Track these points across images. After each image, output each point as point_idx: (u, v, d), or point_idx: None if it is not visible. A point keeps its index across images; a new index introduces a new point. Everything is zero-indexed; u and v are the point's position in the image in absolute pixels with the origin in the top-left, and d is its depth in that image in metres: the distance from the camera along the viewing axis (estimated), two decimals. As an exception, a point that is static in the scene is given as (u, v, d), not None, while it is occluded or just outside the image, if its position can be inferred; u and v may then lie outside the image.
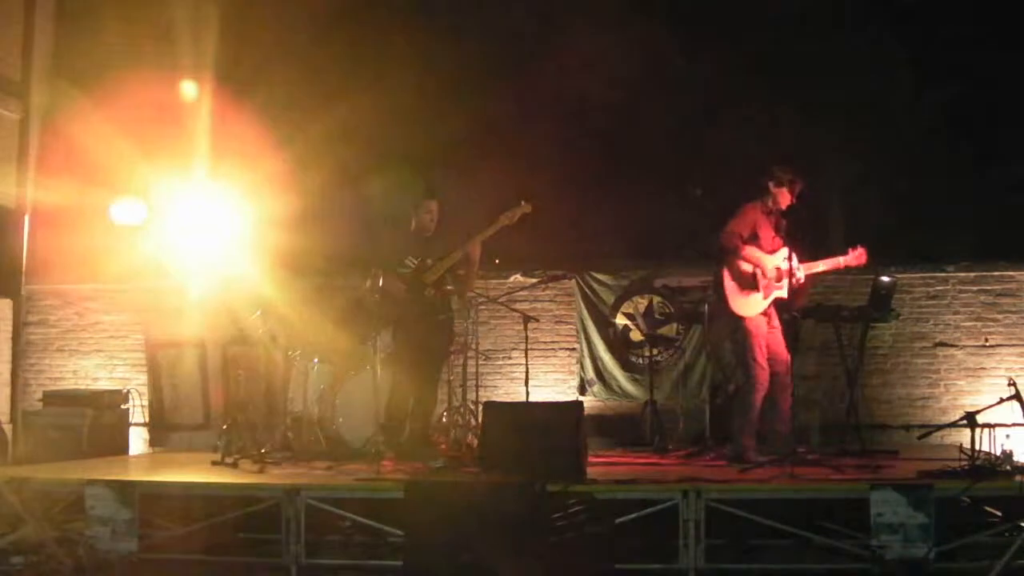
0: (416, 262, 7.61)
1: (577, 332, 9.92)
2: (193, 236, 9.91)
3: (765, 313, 7.21)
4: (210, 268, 10.09)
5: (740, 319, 7.18)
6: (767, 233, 7.20)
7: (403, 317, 7.54)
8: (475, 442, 7.74)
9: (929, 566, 5.54)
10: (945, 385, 9.44)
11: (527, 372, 8.35)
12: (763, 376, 7.13)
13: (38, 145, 10.98)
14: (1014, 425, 6.82)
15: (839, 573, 5.83)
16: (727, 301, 7.21)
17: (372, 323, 7.68)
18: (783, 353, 7.20)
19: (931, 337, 9.47)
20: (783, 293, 7.18)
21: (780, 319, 7.28)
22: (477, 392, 8.77)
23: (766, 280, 7.14)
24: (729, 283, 7.21)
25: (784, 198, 7.17)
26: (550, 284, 9.73)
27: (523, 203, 7.56)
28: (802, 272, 7.08)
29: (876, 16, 9.36)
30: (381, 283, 7.49)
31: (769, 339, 7.22)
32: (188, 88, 10.30)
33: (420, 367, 7.62)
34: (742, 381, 7.30)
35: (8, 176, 10.76)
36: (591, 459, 6.96)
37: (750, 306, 7.18)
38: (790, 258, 7.07)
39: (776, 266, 7.16)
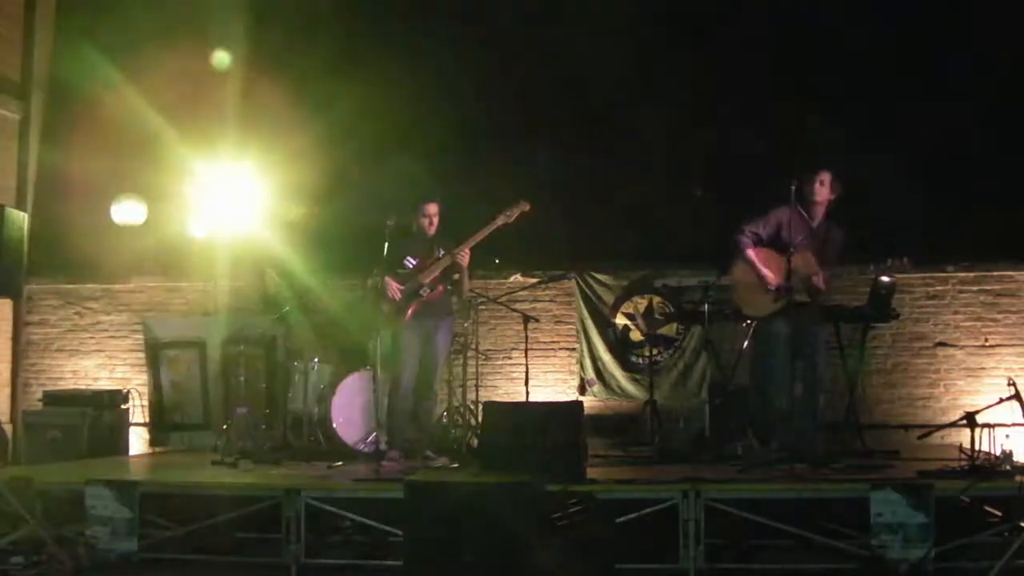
0: (415, 262, 7.62)
1: (577, 332, 9.92)
2: (194, 236, 9.94)
3: (784, 315, 7.00)
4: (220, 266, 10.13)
5: (749, 319, 7.14)
6: (795, 235, 6.94)
7: (401, 317, 7.54)
8: (475, 442, 7.75)
9: (929, 566, 5.54)
10: (945, 385, 9.45)
11: (527, 372, 8.35)
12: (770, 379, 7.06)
13: (38, 145, 10.99)
14: (1014, 425, 6.82)
15: (839, 573, 5.83)
16: (737, 300, 7.19)
17: (371, 323, 7.69)
18: (814, 357, 7.09)
19: (931, 337, 9.47)
20: (803, 298, 6.93)
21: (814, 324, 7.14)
22: (477, 392, 8.78)
23: (773, 283, 6.99)
24: (737, 282, 7.18)
25: (811, 192, 7.00)
26: (550, 284, 9.74)
27: (521, 202, 7.57)
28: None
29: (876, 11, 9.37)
30: (379, 283, 7.50)
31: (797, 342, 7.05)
32: (188, 87, 10.30)
33: (419, 367, 7.62)
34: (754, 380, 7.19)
35: (8, 176, 10.77)
36: (591, 459, 6.96)
37: (757, 307, 7.10)
38: (806, 263, 6.92)
39: (789, 269, 6.91)
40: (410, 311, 7.49)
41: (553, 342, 10.03)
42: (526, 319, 8.52)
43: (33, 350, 10.87)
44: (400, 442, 7.60)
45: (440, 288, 7.59)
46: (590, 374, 9.83)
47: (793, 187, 6.71)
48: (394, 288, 7.50)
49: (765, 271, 7.01)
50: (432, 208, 7.65)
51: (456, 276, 7.62)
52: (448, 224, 7.76)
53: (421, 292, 7.52)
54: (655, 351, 9.32)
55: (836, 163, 7.15)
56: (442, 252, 7.60)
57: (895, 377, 9.48)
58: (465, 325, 8.63)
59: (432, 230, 7.66)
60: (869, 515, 5.65)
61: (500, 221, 7.53)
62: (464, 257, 7.48)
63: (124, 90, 10.15)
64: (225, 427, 8.35)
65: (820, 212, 7.09)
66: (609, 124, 9.79)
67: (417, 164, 9.13)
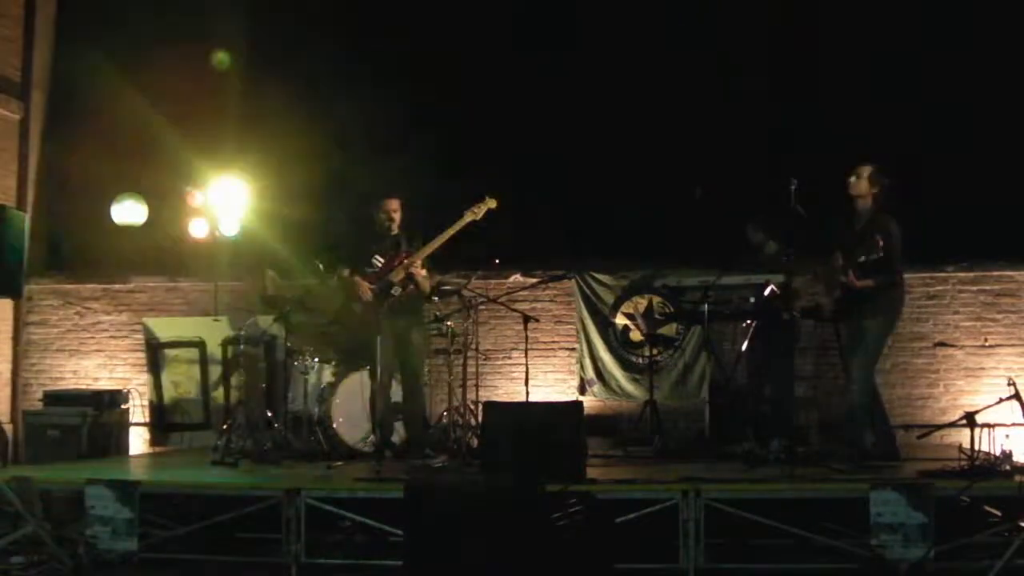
0: (383, 261, 7.59)
1: (577, 332, 9.93)
2: (194, 233, 9.95)
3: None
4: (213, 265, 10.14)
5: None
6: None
7: (375, 317, 7.47)
8: (475, 442, 7.75)
9: (929, 566, 5.54)
10: (945, 385, 9.45)
11: (527, 372, 8.34)
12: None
13: (38, 145, 10.99)
14: (1014, 425, 6.82)
15: (839, 573, 5.83)
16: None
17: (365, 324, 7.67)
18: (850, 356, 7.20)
19: (931, 337, 9.47)
20: (838, 294, 7.05)
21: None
22: (477, 392, 8.77)
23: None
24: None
25: (848, 187, 7.09)
26: (550, 284, 9.74)
27: (487, 198, 7.55)
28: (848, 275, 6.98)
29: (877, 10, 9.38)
30: (346, 280, 7.47)
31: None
32: (188, 87, 10.31)
33: (400, 367, 7.60)
34: None
35: (8, 176, 10.77)
36: (591, 459, 6.96)
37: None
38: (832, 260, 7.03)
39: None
40: (383, 310, 7.44)
41: (553, 342, 10.04)
42: (526, 319, 8.51)
43: (33, 350, 10.88)
44: (389, 441, 7.61)
45: (411, 287, 7.56)
46: (590, 374, 9.83)
47: (792, 187, 6.70)
48: (365, 288, 7.48)
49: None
50: (393, 204, 7.62)
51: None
52: (424, 220, 7.73)
53: (392, 292, 7.49)
54: (655, 351, 9.31)
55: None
56: (407, 249, 7.57)
57: (895, 377, 9.47)
58: (465, 325, 8.62)
59: (395, 227, 7.63)
60: (869, 515, 5.65)
61: (468, 217, 7.51)
62: (416, 269, 7.46)
63: (124, 90, 10.16)
64: (225, 427, 8.35)
65: (861, 206, 7.06)
66: (609, 123, 9.79)
67: (415, 163, 9.15)
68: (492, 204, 7.56)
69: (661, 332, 9.57)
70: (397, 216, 7.61)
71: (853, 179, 7.04)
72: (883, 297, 6.93)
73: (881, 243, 6.72)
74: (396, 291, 7.48)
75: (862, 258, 6.72)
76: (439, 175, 9.28)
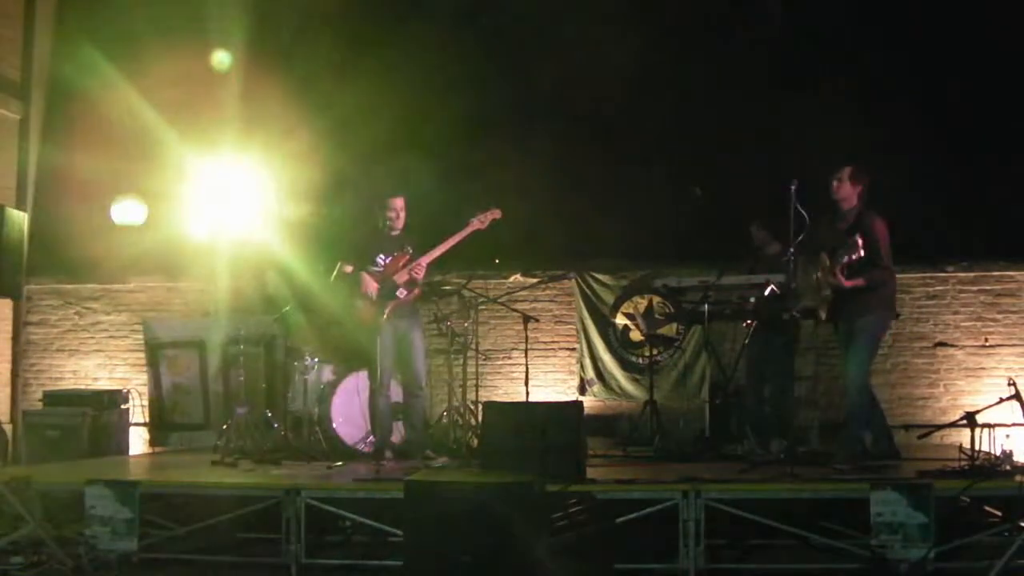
0: (388, 260, 7.58)
1: (577, 332, 9.93)
2: (193, 236, 9.94)
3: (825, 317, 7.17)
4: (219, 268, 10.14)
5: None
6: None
7: (376, 317, 7.46)
8: (475, 442, 7.75)
9: (929, 566, 5.54)
10: (945, 385, 9.45)
11: (527, 372, 8.35)
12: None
13: (38, 145, 10.99)
14: (1014, 425, 6.83)
15: (839, 573, 5.83)
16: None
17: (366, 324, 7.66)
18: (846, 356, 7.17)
19: (931, 337, 9.48)
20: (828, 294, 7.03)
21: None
22: (477, 392, 8.78)
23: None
24: None
25: (831, 191, 7.06)
26: (550, 284, 9.74)
27: (492, 208, 7.57)
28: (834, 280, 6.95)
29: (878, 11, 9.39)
30: (349, 275, 7.48)
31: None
32: (188, 88, 10.30)
33: (402, 367, 7.60)
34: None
35: (8, 176, 10.77)
36: (591, 459, 6.96)
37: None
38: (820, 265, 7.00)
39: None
40: (387, 310, 7.44)
41: (553, 342, 10.04)
42: (526, 319, 8.52)
43: (33, 350, 10.88)
44: (389, 441, 7.61)
45: (415, 290, 7.56)
46: (590, 374, 9.83)
47: (793, 187, 6.68)
48: (373, 287, 7.47)
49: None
50: (398, 203, 7.60)
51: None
52: (423, 223, 7.72)
53: (397, 294, 7.48)
54: (655, 351, 9.31)
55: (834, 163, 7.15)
56: (410, 250, 7.57)
57: (895, 377, 9.48)
58: (465, 325, 8.62)
59: (399, 225, 7.62)
60: (869, 515, 5.65)
61: (475, 225, 7.52)
62: (419, 272, 7.45)
63: (124, 90, 10.16)
64: (225, 427, 8.35)
65: (846, 207, 7.04)
66: (609, 123, 9.78)
67: (417, 163, 9.14)
68: (497, 214, 7.58)
69: (661, 332, 9.57)
70: (402, 215, 7.61)
71: (835, 182, 7.03)
72: (874, 295, 6.93)
73: (861, 242, 6.70)
74: (401, 293, 7.48)
75: (844, 259, 6.72)
76: (439, 175, 9.26)
